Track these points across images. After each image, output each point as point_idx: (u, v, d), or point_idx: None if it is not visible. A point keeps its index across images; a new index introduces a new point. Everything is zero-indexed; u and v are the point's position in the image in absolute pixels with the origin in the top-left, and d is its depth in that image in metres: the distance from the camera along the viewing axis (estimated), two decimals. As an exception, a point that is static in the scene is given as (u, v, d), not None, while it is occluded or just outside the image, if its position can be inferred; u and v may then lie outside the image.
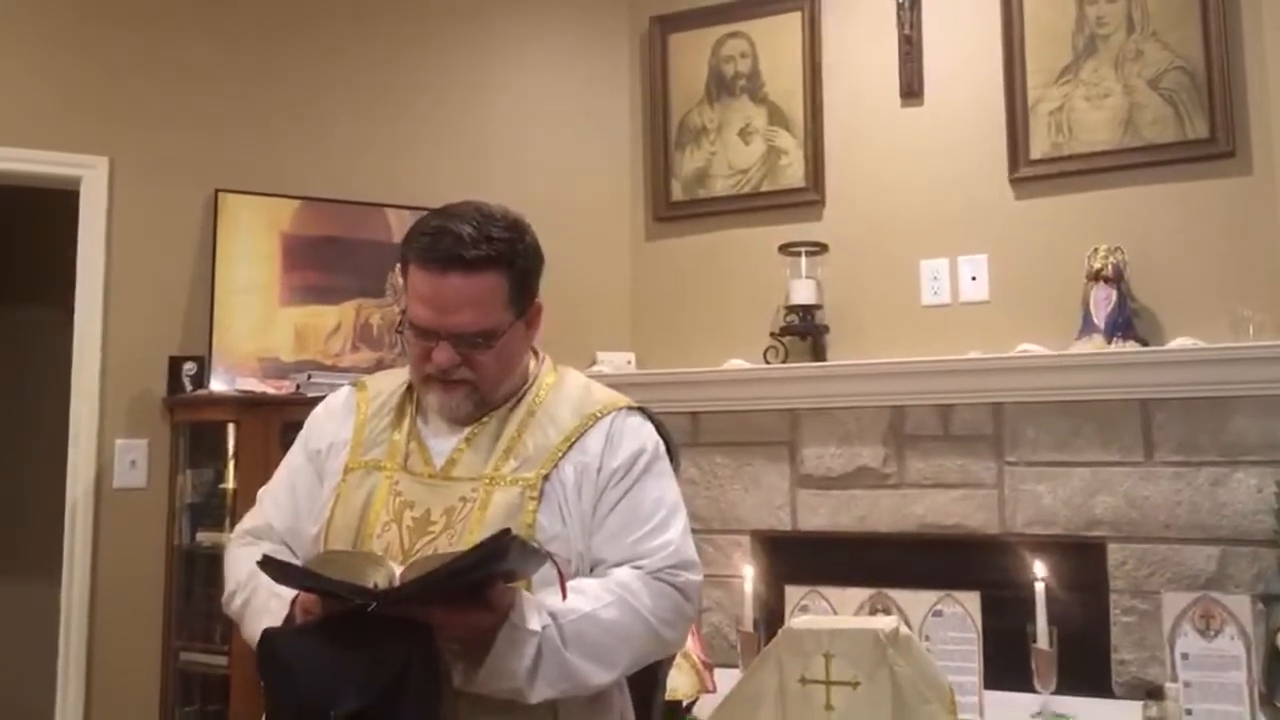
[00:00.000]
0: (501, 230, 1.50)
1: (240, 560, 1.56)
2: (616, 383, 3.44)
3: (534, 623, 1.34)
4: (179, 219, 3.32)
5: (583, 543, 1.49)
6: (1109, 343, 2.94)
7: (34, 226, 4.01)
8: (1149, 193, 3.07)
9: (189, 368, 3.18)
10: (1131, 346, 2.92)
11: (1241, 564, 2.76)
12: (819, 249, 3.40)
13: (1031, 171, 3.20)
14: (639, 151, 3.80)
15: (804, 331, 3.36)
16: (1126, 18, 3.12)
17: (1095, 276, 3.00)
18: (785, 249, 3.41)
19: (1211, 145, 2.98)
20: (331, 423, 1.62)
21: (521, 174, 3.71)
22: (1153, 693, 2.27)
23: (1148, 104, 3.07)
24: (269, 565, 1.32)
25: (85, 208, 3.23)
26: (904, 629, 1.87)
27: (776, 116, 3.56)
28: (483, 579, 1.29)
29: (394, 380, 1.64)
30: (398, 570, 1.31)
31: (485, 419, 1.53)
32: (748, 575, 2.70)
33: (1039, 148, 3.19)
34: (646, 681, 1.62)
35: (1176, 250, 3.02)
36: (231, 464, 3.14)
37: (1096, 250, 3.01)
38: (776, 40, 3.57)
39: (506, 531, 1.28)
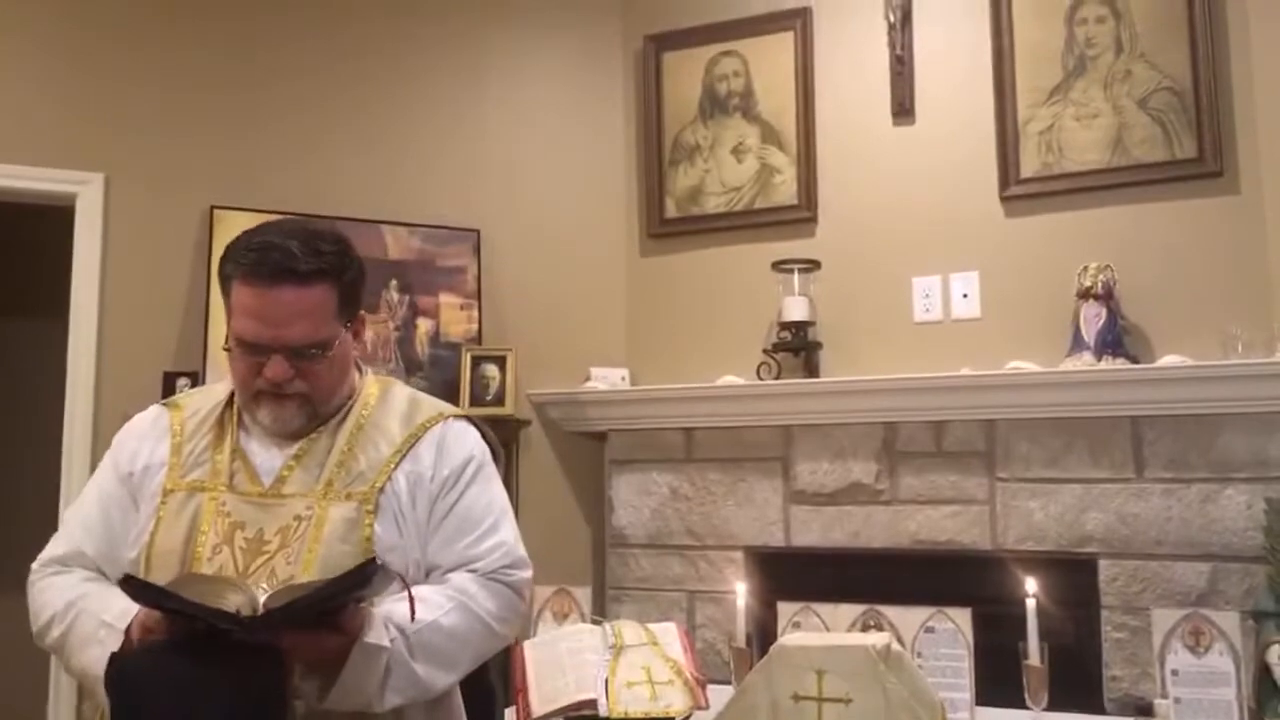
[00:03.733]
0: (329, 245, 1.51)
1: (54, 589, 1.52)
2: (611, 399, 3.48)
3: (383, 639, 1.38)
4: (174, 235, 3.33)
5: (419, 550, 1.52)
6: (1099, 360, 2.96)
7: (29, 242, 4.02)
8: (1138, 211, 3.10)
9: (183, 383, 3.18)
10: (1121, 364, 2.94)
11: (1232, 580, 2.78)
12: (811, 266, 3.42)
13: (1022, 190, 3.23)
14: (633, 169, 3.82)
15: (797, 348, 3.38)
16: (1115, 39, 3.16)
17: (1085, 294, 3.02)
18: (778, 266, 3.43)
19: (1200, 165, 3.01)
20: (144, 444, 1.58)
21: (516, 191, 3.74)
22: (1143, 709, 2.27)
23: (1136, 124, 3.10)
24: (130, 585, 1.30)
25: (80, 224, 3.24)
26: (896, 645, 1.87)
27: (769, 134, 3.59)
28: (338, 605, 1.32)
29: (209, 398, 1.61)
30: (261, 596, 1.31)
31: (314, 434, 1.53)
32: (740, 591, 2.70)
33: (1029, 166, 3.22)
34: (480, 675, 1.69)
35: (1166, 268, 3.04)
36: (225, 479, 3.14)
37: (1086, 268, 3.04)
38: (769, 59, 3.61)
39: (372, 560, 1.32)
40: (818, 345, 3.40)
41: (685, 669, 2.24)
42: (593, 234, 3.78)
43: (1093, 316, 3.00)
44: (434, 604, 1.46)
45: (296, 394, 1.49)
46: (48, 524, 3.15)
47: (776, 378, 3.38)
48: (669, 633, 2.38)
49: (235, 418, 1.56)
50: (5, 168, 3.15)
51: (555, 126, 3.83)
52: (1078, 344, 3.01)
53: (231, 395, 1.58)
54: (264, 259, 1.45)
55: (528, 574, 1.58)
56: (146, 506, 1.52)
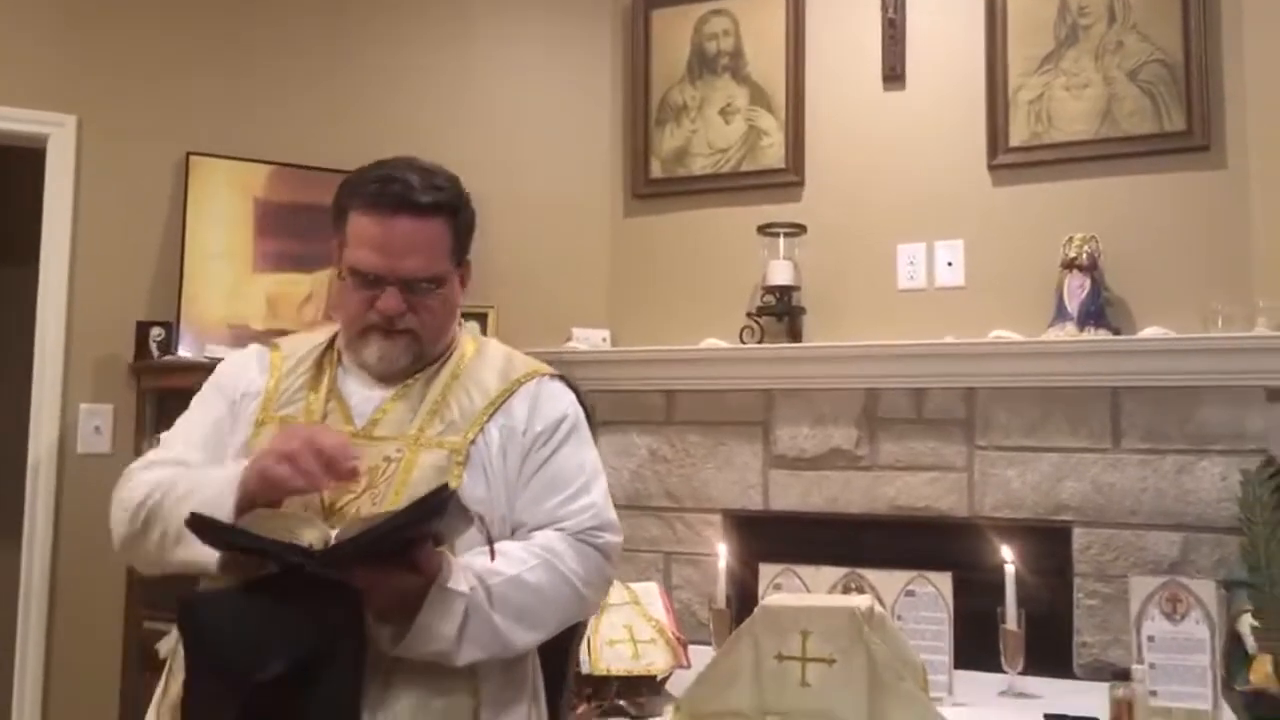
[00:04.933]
0: (445, 181, 1.55)
1: (147, 479, 1.46)
2: (592, 359, 3.46)
3: (461, 585, 1.35)
4: (149, 181, 3.26)
5: (506, 506, 1.50)
6: (1081, 331, 2.97)
7: (-3, 185, 3.91)
8: (1125, 183, 3.10)
9: (156, 333, 3.13)
10: (1103, 335, 2.95)
11: (1204, 550, 2.82)
12: (797, 230, 3.40)
13: (1010, 159, 3.22)
14: (619, 128, 3.77)
15: (780, 312, 3.37)
16: (1108, 9, 3.14)
17: (1070, 265, 3.02)
18: (763, 229, 3.41)
19: (1188, 138, 3.01)
20: (247, 372, 1.60)
21: (499, 147, 3.68)
22: (1119, 674, 2.30)
23: (1126, 95, 3.10)
24: (198, 521, 1.28)
25: (52, 167, 3.16)
26: (879, 608, 1.89)
27: (758, 96, 3.55)
28: (412, 540, 1.28)
29: (309, 342, 1.64)
30: (332, 532, 1.29)
31: (410, 380, 1.54)
32: (721, 553, 2.71)
33: (1018, 135, 3.21)
34: (560, 654, 1.64)
35: (1150, 241, 3.05)
36: (199, 432, 3.09)
37: (1071, 239, 3.03)
38: (760, 19, 3.56)
39: (445, 487, 1.29)
40: (801, 310, 3.39)
41: (667, 628, 2.25)
42: (576, 193, 3.73)
43: (1076, 287, 3.00)
44: (517, 559, 1.43)
45: (407, 330, 1.50)
46: (17, 475, 3.12)
47: (759, 342, 3.37)
48: (650, 592, 2.39)
49: (335, 359, 1.58)
50: (-26, 107, 3.06)
51: (540, 83, 3.76)
52: (1061, 314, 3.02)
53: (332, 339, 1.60)
54: (385, 189, 1.48)
55: (617, 539, 1.55)
56: (241, 434, 1.53)
